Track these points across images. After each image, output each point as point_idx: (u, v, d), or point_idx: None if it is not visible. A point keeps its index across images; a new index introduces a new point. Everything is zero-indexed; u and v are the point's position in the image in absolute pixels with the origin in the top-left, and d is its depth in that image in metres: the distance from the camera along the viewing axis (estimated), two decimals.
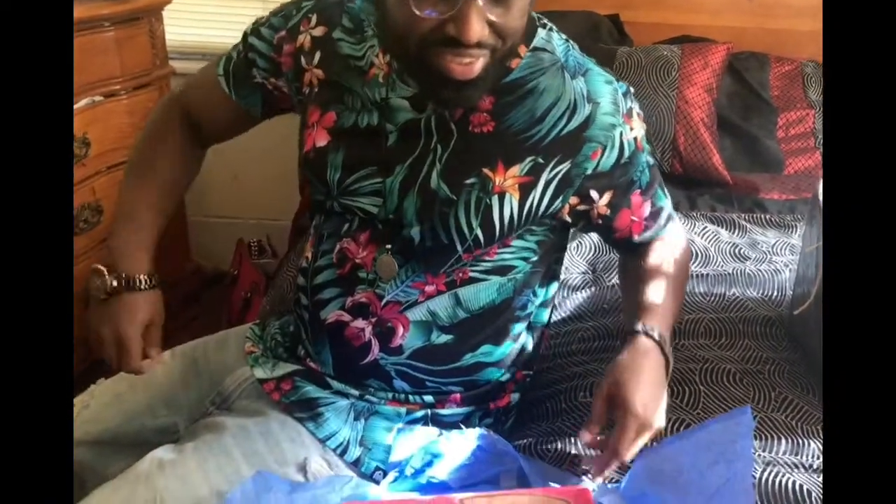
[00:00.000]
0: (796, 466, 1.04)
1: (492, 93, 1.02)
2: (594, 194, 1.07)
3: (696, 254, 1.60)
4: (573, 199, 1.06)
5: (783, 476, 1.01)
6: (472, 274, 1.07)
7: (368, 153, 1.06)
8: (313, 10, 1.11)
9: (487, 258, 1.07)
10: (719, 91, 2.13)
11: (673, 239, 1.18)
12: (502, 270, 1.08)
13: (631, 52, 2.16)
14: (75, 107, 1.86)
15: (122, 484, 1.05)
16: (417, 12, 0.90)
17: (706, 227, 1.72)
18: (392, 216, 1.05)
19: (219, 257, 2.49)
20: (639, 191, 1.10)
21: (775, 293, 1.45)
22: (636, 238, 1.13)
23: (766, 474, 1.01)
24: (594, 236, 1.65)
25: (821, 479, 1.01)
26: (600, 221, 1.10)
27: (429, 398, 1.12)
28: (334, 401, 1.10)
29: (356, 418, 1.10)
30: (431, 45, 0.92)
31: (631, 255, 1.17)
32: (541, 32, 1.06)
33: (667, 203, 1.16)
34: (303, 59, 1.10)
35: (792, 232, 1.74)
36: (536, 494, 0.92)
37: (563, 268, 1.23)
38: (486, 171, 1.02)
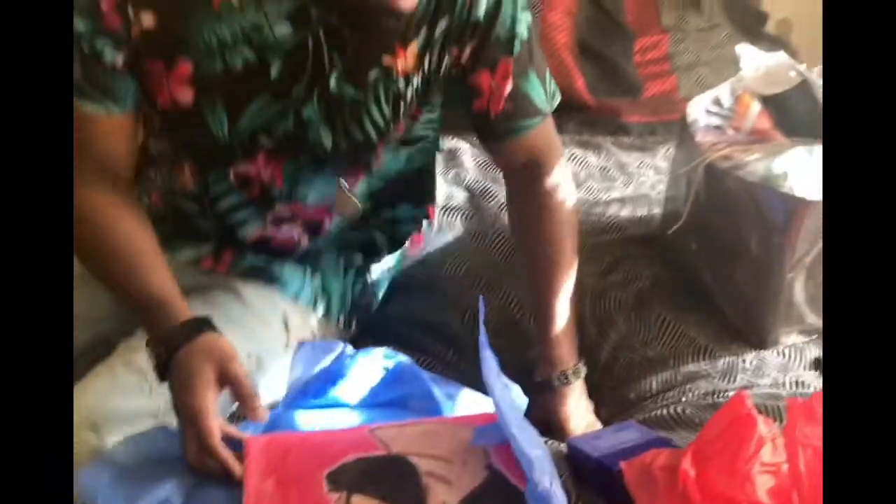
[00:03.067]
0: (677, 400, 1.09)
1: None
2: (465, 43, 1.01)
3: None
4: (454, 51, 1.01)
5: (661, 410, 1.07)
6: (382, 153, 1.09)
7: (254, 90, 0.97)
8: None
9: (396, 134, 1.07)
10: (579, 15, 2.13)
11: (557, 179, 1.12)
12: (412, 141, 1.11)
13: None
14: None
15: (99, 373, 0.99)
16: None
17: (574, 151, 1.74)
18: (292, 129, 0.99)
19: None
20: (506, 56, 1.03)
21: (643, 213, 1.49)
22: (493, 117, 1.06)
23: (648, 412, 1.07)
24: (467, 164, 1.63)
25: (690, 399, 1.07)
26: (461, 74, 1.04)
27: (358, 256, 1.18)
28: (284, 262, 1.11)
29: (313, 274, 1.14)
30: None
31: (503, 170, 1.17)
32: None
33: (542, 102, 1.09)
34: (129, 9, 0.92)
35: (654, 153, 1.78)
36: (447, 423, 0.91)
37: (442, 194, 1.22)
38: (386, 58, 0.98)
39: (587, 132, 1.87)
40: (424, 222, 1.28)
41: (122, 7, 0.92)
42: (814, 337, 1.20)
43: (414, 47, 0.98)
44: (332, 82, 0.98)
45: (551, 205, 1.11)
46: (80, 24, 0.93)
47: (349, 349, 1.01)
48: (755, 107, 1.23)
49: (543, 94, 1.09)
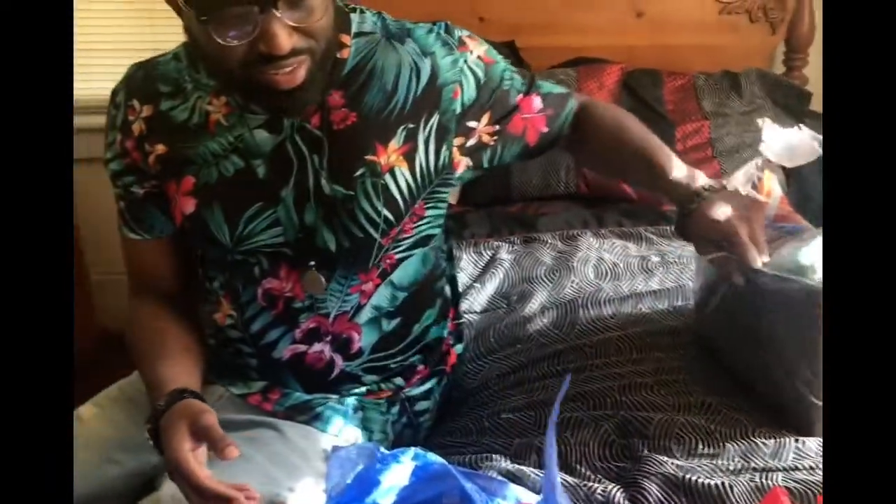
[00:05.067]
0: (715, 470, 1.06)
1: (339, 88, 1.07)
2: (473, 123, 1.13)
3: (606, 271, 1.61)
4: (457, 140, 1.12)
5: (703, 479, 1.03)
6: (397, 256, 1.13)
7: (246, 195, 1.07)
8: (130, 96, 1.10)
9: (405, 235, 1.12)
10: None
11: (592, 101, 1.23)
12: (424, 241, 1.15)
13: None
14: None
15: None
16: (221, 41, 0.92)
17: (614, 242, 1.75)
18: (300, 236, 1.07)
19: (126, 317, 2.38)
20: (520, 94, 1.15)
21: (680, 302, 1.48)
22: (546, 129, 1.18)
23: (687, 477, 1.03)
24: (505, 264, 1.66)
25: (737, 478, 1.03)
26: (496, 139, 1.15)
27: (398, 380, 1.20)
28: (327, 400, 1.15)
29: (355, 411, 1.17)
30: (252, 66, 0.95)
31: (567, 140, 1.21)
32: (354, 17, 1.10)
33: (558, 87, 1.21)
34: (146, 146, 1.09)
35: None
36: None
37: (476, 299, 1.24)
38: (369, 157, 1.07)
39: (628, 223, 1.88)
40: (454, 339, 1.30)
41: (140, 144, 1.10)
42: None
43: (393, 144, 1.07)
44: (324, 184, 1.06)
45: (614, 111, 1.23)
46: (115, 165, 1.12)
47: (382, 451, 1.03)
48: (777, 191, 1.23)
49: (551, 84, 1.21)
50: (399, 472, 1.03)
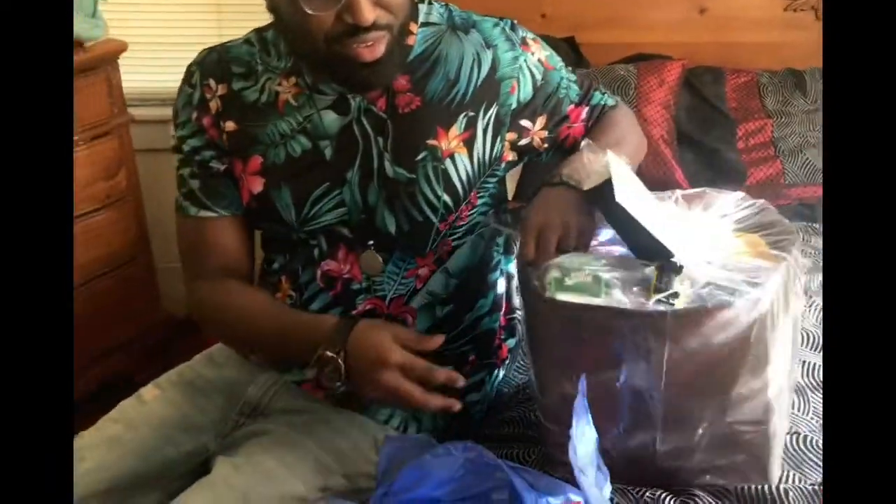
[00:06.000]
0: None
1: (405, 73, 1.10)
2: (527, 123, 1.15)
3: None
4: (509, 135, 1.14)
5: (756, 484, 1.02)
6: (453, 243, 1.15)
7: (314, 176, 1.10)
8: (205, 75, 1.14)
9: (461, 223, 1.14)
10: (677, 106, 2.15)
11: (615, 108, 1.24)
12: (472, 229, 1.17)
13: (587, 73, 2.18)
14: None
15: (200, 489, 1.05)
16: (310, 11, 0.96)
17: None
18: (363, 217, 1.10)
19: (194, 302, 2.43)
20: (572, 105, 1.19)
21: None
22: (582, 136, 1.20)
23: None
24: None
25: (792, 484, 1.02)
26: (546, 145, 1.19)
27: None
28: None
29: None
30: (336, 40, 0.99)
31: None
32: (422, 8, 1.13)
33: (604, 98, 1.24)
34: (221, 122, 1.13)
35: None
36: None
37: None
38: (431, 141, 1.10)
39: None
40: (506, 334, 1.29)
41: (217, 121, 1.13)
42: None
43: (455, 130, 1.10)
44: (387, 166, 1.09)
45: (616, 114, 1.24)
46: (193, 141, 1.15)
47: (434, 442, 1.05)
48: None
49: (601, 94, 1.24)
50: (450, 465, 1.05)
